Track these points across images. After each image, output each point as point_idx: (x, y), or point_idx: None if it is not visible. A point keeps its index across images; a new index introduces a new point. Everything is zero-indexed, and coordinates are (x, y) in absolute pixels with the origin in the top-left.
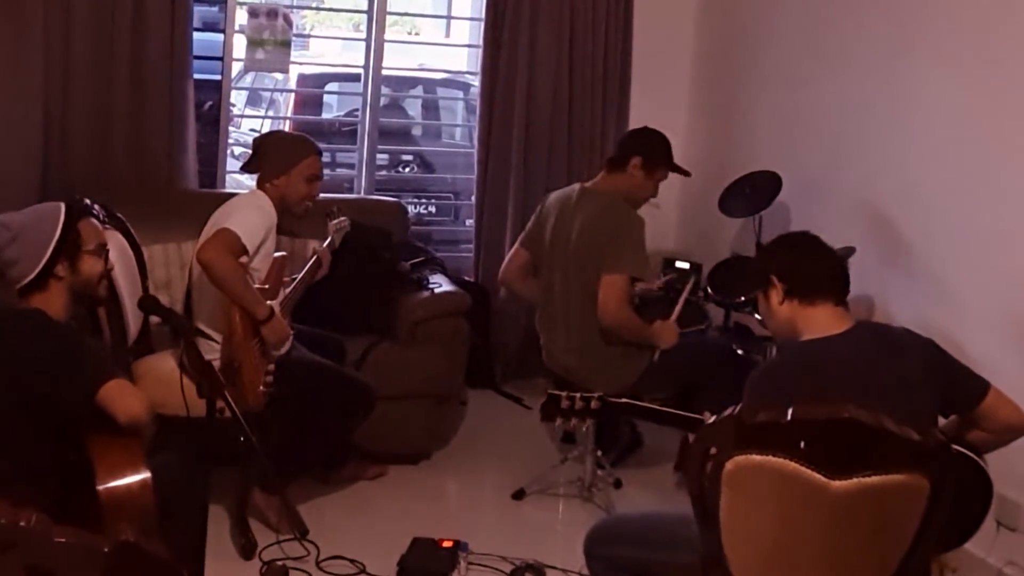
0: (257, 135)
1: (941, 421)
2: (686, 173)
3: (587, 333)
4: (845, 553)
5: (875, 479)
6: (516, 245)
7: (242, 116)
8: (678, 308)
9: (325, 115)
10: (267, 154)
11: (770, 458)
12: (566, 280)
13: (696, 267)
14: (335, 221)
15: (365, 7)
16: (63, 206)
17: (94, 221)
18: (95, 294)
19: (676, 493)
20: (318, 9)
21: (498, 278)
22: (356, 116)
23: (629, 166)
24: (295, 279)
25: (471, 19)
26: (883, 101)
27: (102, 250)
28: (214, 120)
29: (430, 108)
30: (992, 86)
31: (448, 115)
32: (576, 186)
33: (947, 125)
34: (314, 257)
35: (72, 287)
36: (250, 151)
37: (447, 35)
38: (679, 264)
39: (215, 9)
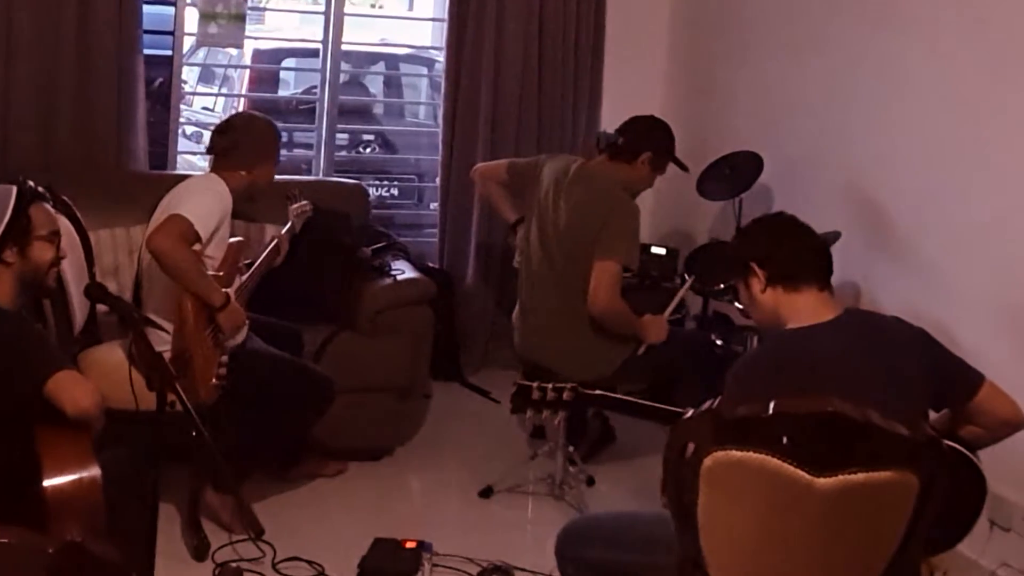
0: (230, 117)
1: (932, 416)
2: (686, 168)
3: (568, 318)
4: (829, 554)
5: (861, 476)
6: (504, 162)
7: (194, 94)
8: (672, 305)
9: (281, 92)
10: (246, 139)
11: (751, 454)
12: (551, 261)
13: (673, 252)
14: (296, 205)
15: None
16: (14, 189)
17: (47, 207)
18: (44, 283)
19: (651, 490)
20: None
21: (471, 172)
22: (314, 94)
23: (639, 160)
24: (252, 265)
25: None
26: (870, 76)
27: (54, 237)
28: (165, 98)
29: (392, 85)
30: (983, 61)
31: (411, 92)
32: (576, 160)
33: (938, 102)
34: (273, 243)
35: (21, 275)
36: (209, 130)
37: (410, 8)
38: (655, 250)
39: None
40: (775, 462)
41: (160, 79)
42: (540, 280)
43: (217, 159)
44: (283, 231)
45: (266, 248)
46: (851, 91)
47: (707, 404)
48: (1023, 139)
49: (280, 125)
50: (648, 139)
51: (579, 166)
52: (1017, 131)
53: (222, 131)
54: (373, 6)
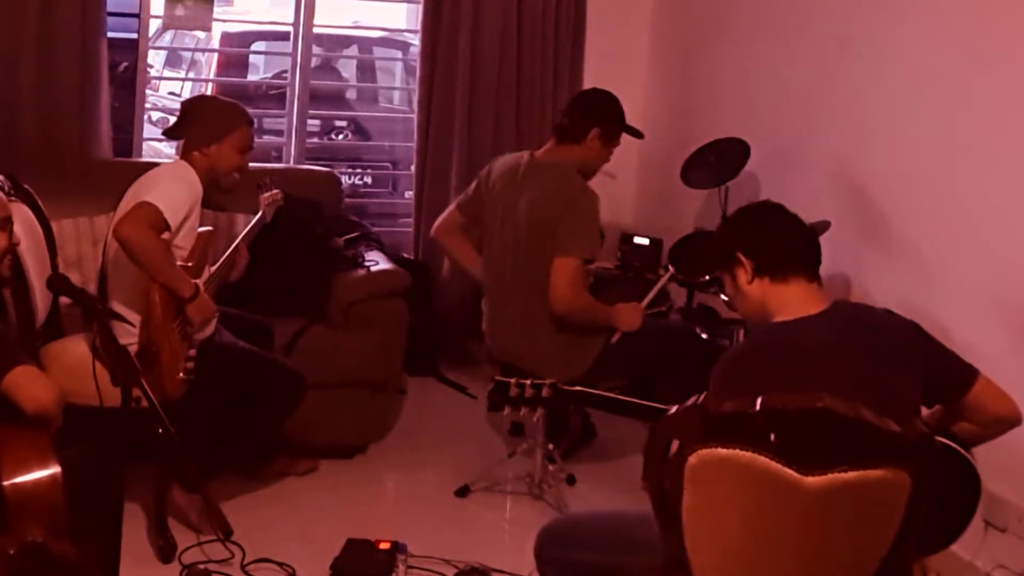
0: (186, 99)
1: (925, 412)
2: (638, 134)
3: (537, 316)
4: (819, 555)
5: (852, 474)
6: (452, 206)
7: (160, 78)
8: (651, 295)
9: (251, 77)
10: (197, 120)
11: (737, 452)
12: (516, 259)
13: (656, 243)
14: (267, 193)
15: None
16: None
17: None
18: None
19: (633, 490)
20: None
21: (431, 234)
22: (285, 78)
23: (587, 139)
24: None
25: None
26: (858, 59)
27: (6, 224)
28: (130, 82)
29: (366, 69)
30: (975, 43)
31: (385, 77)
32: (524, 155)
33: (929, 86)
34: (232, 248)
35: None
36: (175, 116)
37: None
38: (637, 240)
39: None
40: (762, 460)
41: (125, 63)
42: (506, 284)
43: (183, 145)
44: (253, 220)
45: (226, 253)
46: (838, 75)
47: (692, 400)
48: (1019, 126)
49: (250, 111)
50: (593, 114)
51: (530, 158)
52: (1012, 117)
53: (179, 114)
54: None
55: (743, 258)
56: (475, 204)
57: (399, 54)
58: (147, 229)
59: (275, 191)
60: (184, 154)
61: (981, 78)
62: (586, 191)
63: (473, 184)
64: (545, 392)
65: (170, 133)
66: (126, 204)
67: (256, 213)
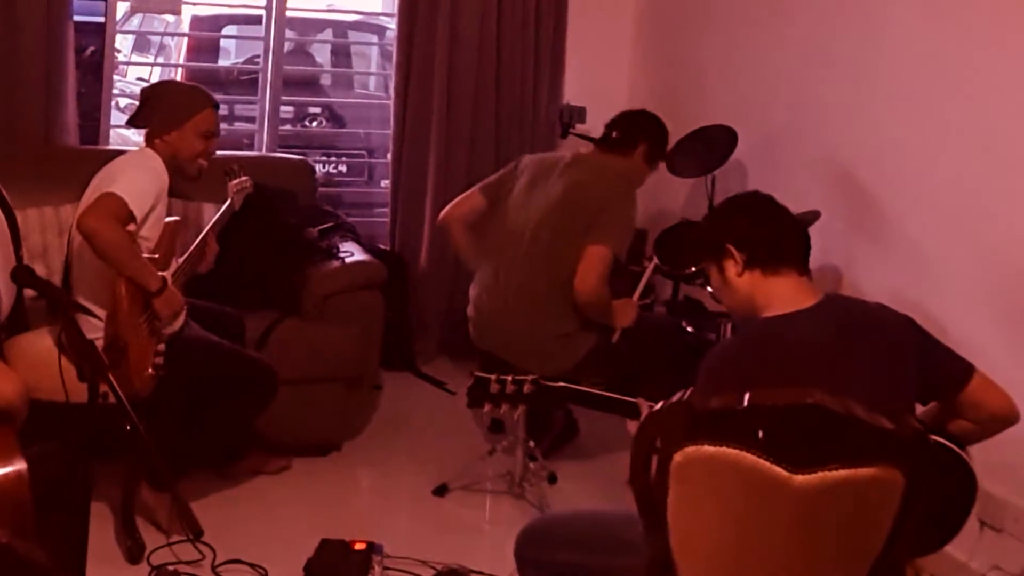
0: (146, 85)
1: (919, 409)
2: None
3: (541, 305)
4: (808, 556)
5: (842, 473)
6: (475, 189)
7: (128, 63)
8: (640, 287)
9: (222, 62)
10: (157, 106)
11: (724, 449)
12: (535, 238)
13: (641, 233)
14: (236, 181)
15: None
16: None
17: None
18: None
19: (617, 488)
20: None
21: (440, 216)
22: (257, 63)
23: (636, 152)
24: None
25: None
26: (849, 44)
27: None
28: (97, 67)
29: (340, 54)
30: (970, 26)
31: (361, 62)
32: (567, 153)
33: (923, 71)
34: (201, 238)
35: None
36: (137, 103)
37: None
38: None
39: None
40: (750, 458)
41: (92, 47)
42: (510, 263)
43: (147, 132)
44: (222, 209)
45: (194, 243)
46: (829, 60)
47: (678, 396)
48: (1016, 113)
49: (220, 97)
50: (644, 130)
51: (576, 154)
52: (1009, 103)
53: (140, 101)
54: None
55: (734, 250)
56: (499, 187)
57: (375, 38)
58: (112, 221)
59: (244, 178)
60: (148, 142)
61: (975, 63)
62: (632, 192)
63: (501, 172)
64: (527, 388)
65: (132, 121)
66: (90, 194)
67: (225, 202)
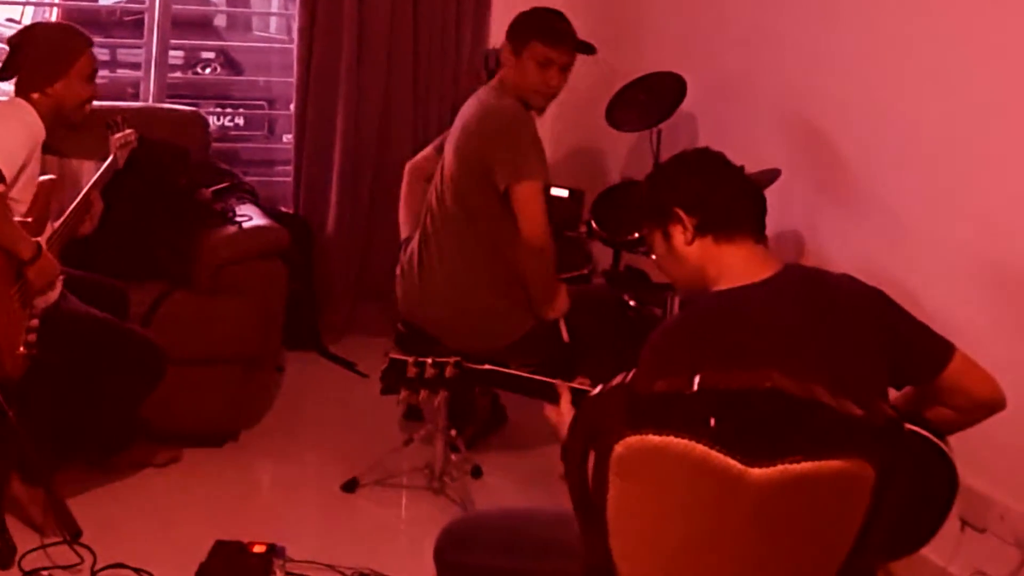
0: (10, 33)
1: (893, 394)
2: (585, 48)
3: (472, 274)
4: (767, 559)
5: (805, 465)
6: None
7: None
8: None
9: (102, 1)
10: (32, 55)
11: (671, 439)
12: (455, 202)
13: (577, 195)
14: (119, 134)
15: None
16: None
17: None
18: None
19: (549, 483)
20: None
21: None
22: (143, 2)
23: (501, 55)
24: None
25: None
26: None
27: None
28: None
29: None
30: None
31: (260, 1)
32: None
33: (896, 9)
34: (80, 198)
35: None
36: (9, 48)
37: None
38: (555, 192)
39: None
40: (700, 448)
41: None
42: (439, 229)
43: (18, 82)
44: (104, 166)
45: (75, 202)
46: None
47: (618, 379)
48: (1004, 52)
49: (100, 40)
50: (508, 30)
51: (482, 87)
52: (996, 41)
53: (9, 49)
54: None
55: (682, 214)
56: (443, 139)
57: None
58: None
59: (128, 131)
60: (20, 92)
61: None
62: (518, 110)
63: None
64: (449, 372)
65: (2, 74)
66: None
67: (107, 158)
